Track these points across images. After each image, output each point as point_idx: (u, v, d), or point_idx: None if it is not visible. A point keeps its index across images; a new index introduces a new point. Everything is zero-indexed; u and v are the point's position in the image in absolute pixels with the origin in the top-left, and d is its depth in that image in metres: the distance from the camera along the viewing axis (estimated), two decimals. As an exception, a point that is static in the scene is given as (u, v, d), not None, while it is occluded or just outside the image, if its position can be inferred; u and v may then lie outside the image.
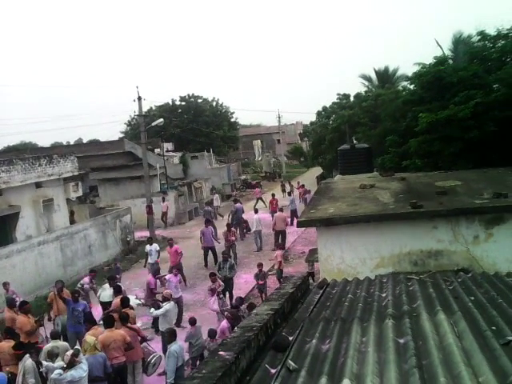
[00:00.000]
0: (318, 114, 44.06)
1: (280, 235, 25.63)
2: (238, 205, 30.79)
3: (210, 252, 23.06)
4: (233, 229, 23.89)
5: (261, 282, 17.47)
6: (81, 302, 14.15)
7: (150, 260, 20.63)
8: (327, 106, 42.91)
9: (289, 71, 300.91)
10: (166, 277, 16.77)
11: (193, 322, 12.58)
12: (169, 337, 11.08)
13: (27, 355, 10.35)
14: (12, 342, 11.07)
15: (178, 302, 16.09)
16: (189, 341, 12.16)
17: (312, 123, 47.31)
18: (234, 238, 23.41)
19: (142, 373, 11.79)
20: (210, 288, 15.40)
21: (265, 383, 4.23)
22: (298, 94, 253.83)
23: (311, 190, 37.14)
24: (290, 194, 42.57)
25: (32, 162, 23.25)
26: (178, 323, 15.48)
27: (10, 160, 22.44)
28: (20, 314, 12.97)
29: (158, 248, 21.20)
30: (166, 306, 13.28)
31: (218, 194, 39.37)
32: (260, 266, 17.64)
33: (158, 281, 17.36)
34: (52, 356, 10.19)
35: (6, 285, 15.72)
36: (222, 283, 15.86)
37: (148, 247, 21.10)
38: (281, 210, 28.80)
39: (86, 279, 17.13)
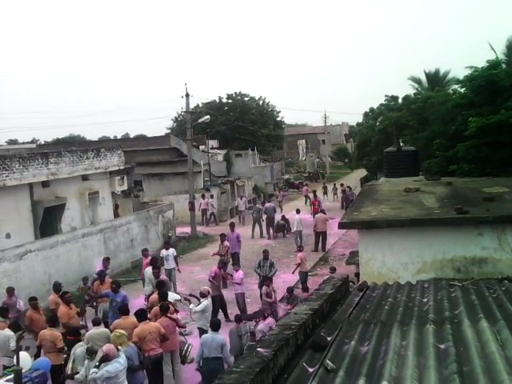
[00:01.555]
0: (365, 115, 43.62)
1: (321, 236, 25.53)
2: (268, 204, 30.83)
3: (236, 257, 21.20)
4: (226, 243, 20.65)
5: (288, 307, 14.43)
6: (120, 293, 14.26)
7: (166, 266, 18.84)
8: (374, 107, 42.47)
9: (336, 71, 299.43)
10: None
11: (238, 319, 12.69)
12: (210, 326, 11.43)
13: (80, 343, 10.55)
14: (54, 330, 11.37)
15: (237, 297, 16.23)
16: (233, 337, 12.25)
17: (358, 124, 46.77)
18: (214, 253, 20.83)
19: (180, 362, 11.99)
20: (265, 292, 15.27)
21: (302, 382, 4.23)
22: (345, 94, 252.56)
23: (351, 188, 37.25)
24: (334, 194, 42.73)
25: (80, 155, 23.62)
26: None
27: (59, 152, 22.86)
28: (62, 304, 13.21)
29: (175, 253, 19.55)
30: (205, 302, 13.33)
31: (245, 198, 37.42)
32: (290, 292, 15.37)
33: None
34: (92, 353, 9.91)
35: (10, 291, 14.63)
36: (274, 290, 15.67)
37: (164, 252, 19.36)
38: (322, 211, 28.72)
39: (99, 267, 17.17)
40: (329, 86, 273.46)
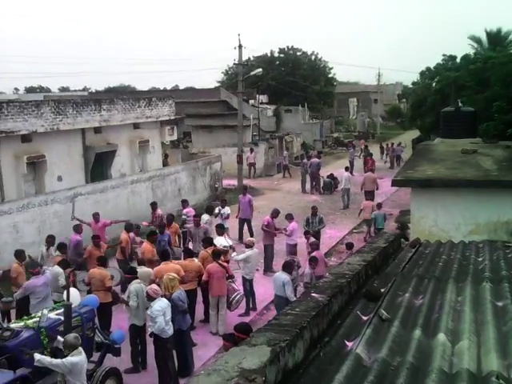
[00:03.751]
0: (421, 74, 42.17)
1: (368, 196, 25.25)
2: (313, 160, 30.48)
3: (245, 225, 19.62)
4: (159, 211, 18.34)
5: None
6: (166, 234, 14.89)
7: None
8: (431, 66, 41.13)
9: (393, 27, 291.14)
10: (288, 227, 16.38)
11: (284, 265, 12.82)
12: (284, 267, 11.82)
13: (137, 280, 10.82)
14: (102, 269, 11.71)
15: (287, 247, 16.29)
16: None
17: (414, 83, 45.34)
18: (146, 223, 17.88)
19: (225, 308, 12.30)
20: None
21: (356, 328, 4.19)
22: (401, 52, 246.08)
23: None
24: (382, 154, 42.88)
25: (132, 103, 23.76)
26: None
27: (111, 99, 23.10)
28: (146, 242, 13.97)
29: (229, 211, 18.38)
30: (249, 252, 13.48)
31: (286, 152, 36.61)
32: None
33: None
34: (68, 347, 7.76)
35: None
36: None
37: (222, 210, 18.11)
38: (372, 170, 28.36)
39: (189, 211, 17.80)
40: (384, 43, 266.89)
